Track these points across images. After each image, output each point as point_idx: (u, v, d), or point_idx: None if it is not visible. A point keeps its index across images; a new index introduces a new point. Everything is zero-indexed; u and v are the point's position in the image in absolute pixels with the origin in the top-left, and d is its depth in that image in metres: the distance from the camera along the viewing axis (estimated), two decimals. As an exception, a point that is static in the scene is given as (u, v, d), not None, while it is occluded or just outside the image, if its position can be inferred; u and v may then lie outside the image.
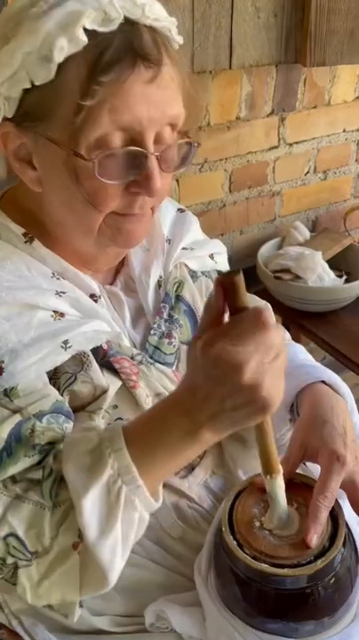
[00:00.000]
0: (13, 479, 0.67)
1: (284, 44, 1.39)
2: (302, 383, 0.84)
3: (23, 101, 0.68)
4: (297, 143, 1.71)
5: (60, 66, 0.65)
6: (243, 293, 0.58)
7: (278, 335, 0.59)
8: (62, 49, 0.64)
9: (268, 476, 0.69)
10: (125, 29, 0.66)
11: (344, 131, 1.78)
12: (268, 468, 0.69)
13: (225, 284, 0.58)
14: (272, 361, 0.59)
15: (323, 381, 0.85)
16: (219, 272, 0.59)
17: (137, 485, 0.63)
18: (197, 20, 1.28)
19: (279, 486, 0.70)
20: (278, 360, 0.59)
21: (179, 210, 0.99)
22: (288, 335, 1.07)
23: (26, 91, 0.67)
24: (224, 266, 1.01)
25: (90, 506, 0.62)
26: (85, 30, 0.64)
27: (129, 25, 0.66)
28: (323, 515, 0.70)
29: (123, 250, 0.85)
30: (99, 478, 0.63)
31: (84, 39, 0.64)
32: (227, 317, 0.61)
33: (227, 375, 0.58)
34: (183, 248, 0.93)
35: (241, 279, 0.58)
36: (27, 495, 0.66)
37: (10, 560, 0.66)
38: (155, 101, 0.68)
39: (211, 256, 0.97)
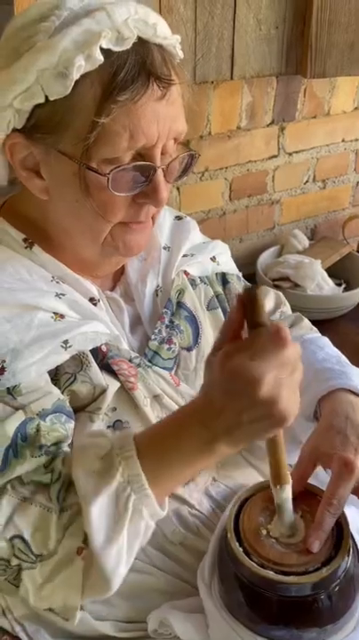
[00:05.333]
0: (21, 481, 0.68)
1: (285, 55, 1.41)
2: (319, 394, 0.85)
3: (34, 114, 0.70)
4: (296, 152, 1.73)
5: (75, 82, 0.66)
6: (262, 309, 0.60)
7: (295, 351, 0.60)
8: (80, 67, 0.65)
9: (277, 487, 0.70)
10: (138, 48, 0.68)
11: (343, 140, 1.80)
12: (278, 479, 0.70)
13: (244, 299, 0.60)
14: (288, 376, 0.60)
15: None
16: (243, 288, 0.62)
17: (145, 495, 0.64)
18: (200, 31, 1.30)
19: (287, 496, 0.71)
20: (294, 375, 0.61)
21: (176, 217, 1.00)
22: (308, 322, 1.06)
23: (37, 104, 0.68)
24: (227, 266, 1.02)
25: (97, 512, 0.63)
26: (101, 49, 0.66)
27: (141, 44, 0.68)
28: (328, 522, 0.70)
29: (123, 260, 0.87)
30: (109, 485, 0.64)
31: (101, 58, 0.66)
32: (245, 333, 0.63)
33: (245, 389, 0.59)
34: (184, 255, 0.95)
35: (260, 295, 0.60)
36: (34, 498, 0.67)
37: (14, 562, 0.66)
38: (163, 118, 0.70)
39: (213, 258, 0.99)
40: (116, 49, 0.67)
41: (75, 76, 0.66)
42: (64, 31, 0.66)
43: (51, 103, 0.68)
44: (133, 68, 0.67)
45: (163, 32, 0.70)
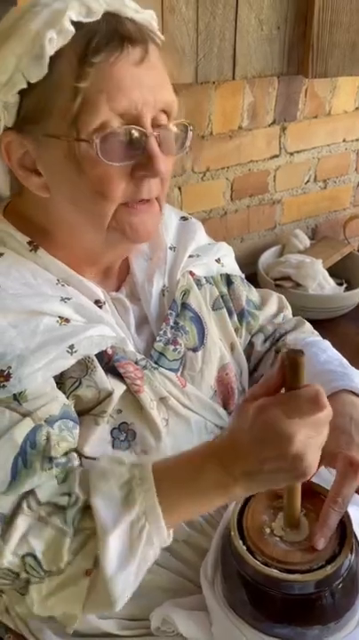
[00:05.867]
0: (37, 500, 0.68)
1: (287, 55, 1.40)
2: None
3: (22, 106, 0.71)
4: (297, 152, 1.73)
5: (52, 59, 0.67)
6: (303, 373, 0.63)
7: (328, 414, 0.64)
8: (52, 40, 0.67)
9: (288, 529, 0.74)
10: (109, 19, 0.70)
11: (344, 140, 1.80)
12: (290, 524, 0.74)
13: (289, 361, 0.63)
14: (317, 436, 0.64)
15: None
16: (287, 350, 0.64)
17: (158, 526, 0.66)
18: (201, 31, 1.29)
19: (294, 539, 0.74)
20: (322, 436, 0.65)
21: (182, 218, 1.01)
22: (309, 326, 1.07)
23: (22, 94, 0.69)
24: (231, 267, 1.02)
25: (114, 541, 0.64)
26: (72, 23, 0.67)
27: (112, 15, 0.70)
28: (333, 519, 0.72)
29: (130, 248, 0.87)
30: (127, 516, 0.65)
31: (72, 29, 0.67)
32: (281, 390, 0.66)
33: (276, 441, 0.63)
34: (189, 256, 0.95)
35: (304, 360, 0.63)
36: (50, 520, 0.67)
37: (23, 575, 0.67)
38: (146, 84, 0.70)
39: (218, 260, 0.99)
40: (87, 20, 0.68)
41: (50, 51, 0.67)
42: (35, 18, 0.68)
43: (35, 90, 0.69)
44: (107, 34, 0.68)
45: (131, 4, 0.72)
